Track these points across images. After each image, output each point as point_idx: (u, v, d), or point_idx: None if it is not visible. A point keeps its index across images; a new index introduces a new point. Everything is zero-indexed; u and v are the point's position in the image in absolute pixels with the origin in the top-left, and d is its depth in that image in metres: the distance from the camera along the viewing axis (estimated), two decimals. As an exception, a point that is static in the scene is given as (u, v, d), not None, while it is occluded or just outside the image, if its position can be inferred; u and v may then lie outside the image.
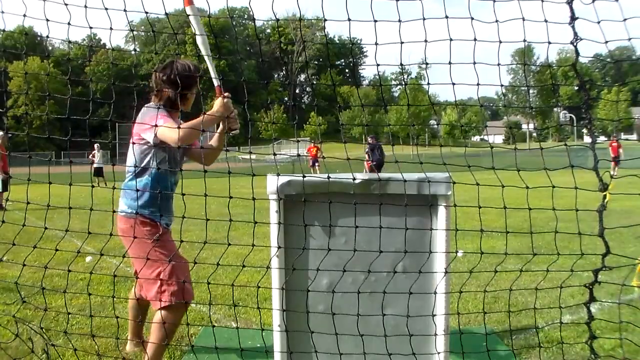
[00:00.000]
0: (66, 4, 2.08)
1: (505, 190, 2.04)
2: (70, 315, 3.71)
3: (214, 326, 2.89)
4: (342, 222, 2.13)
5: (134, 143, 2.45)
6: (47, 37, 2.16)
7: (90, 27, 2.07)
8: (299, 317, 2.12)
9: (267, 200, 2.15)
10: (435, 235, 2.15)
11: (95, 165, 18.94)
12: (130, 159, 2.50)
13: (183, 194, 2.10)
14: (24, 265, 2.39)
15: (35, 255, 4.36)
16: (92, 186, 2.13)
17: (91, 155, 19.77)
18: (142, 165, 2.47)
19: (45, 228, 2.28)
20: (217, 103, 2.48)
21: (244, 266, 2.14)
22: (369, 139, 17.77)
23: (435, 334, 2.13)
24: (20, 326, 2.83)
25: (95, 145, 20.13)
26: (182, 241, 2.20)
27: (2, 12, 2.08)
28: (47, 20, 2.07)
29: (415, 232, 2.12)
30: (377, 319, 2.09)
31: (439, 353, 2.13)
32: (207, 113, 2.39)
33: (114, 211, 2.29)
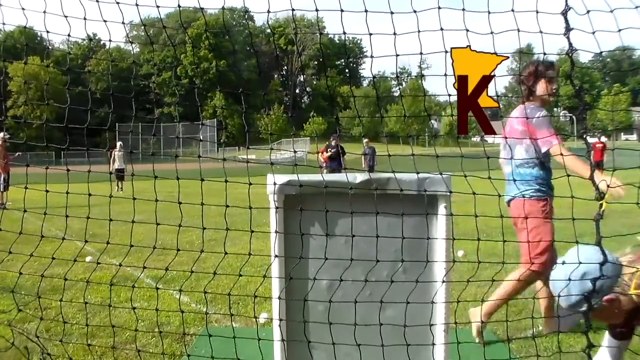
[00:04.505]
0: (66, 16, 2.08)
1: (504, 189, 2.04)
2: (70, 316, 3.71)
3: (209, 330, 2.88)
4: (341, 222, 2.13)
5: (521, 139, 3.16)
6: (49, 41, 2.16)
7: (101, 38, 2.07)
8: (299, 316, 2.12)
9: (267, 199, 2.15)
10: (435, 235, 2.15)
11: (116, 167, 16.94)
12: (520, 152, 3.13)
13: (180, 202, 2.10)
14: (20, 273, 2.39)
15: (35, 256, 4.36)
16: (90, 194, 2.13)
17: (112, 156, 17.43)
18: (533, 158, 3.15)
19: (42, 237, 2.28)
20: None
21: (240, 275, 2.14)
22: (364, 142, 17.52)
23: (436, 325, 2.13)
24: (17, 332, 2.83)
25: (118, 144, 18.35)
26: (177, 249, 2.20)
27: (3, 23, 2.08)
28: (47, 32, 2.07)
29: (415, 232, 2.12)
30: (377, 316, 2.08)
31: (435, 350, 2.13)
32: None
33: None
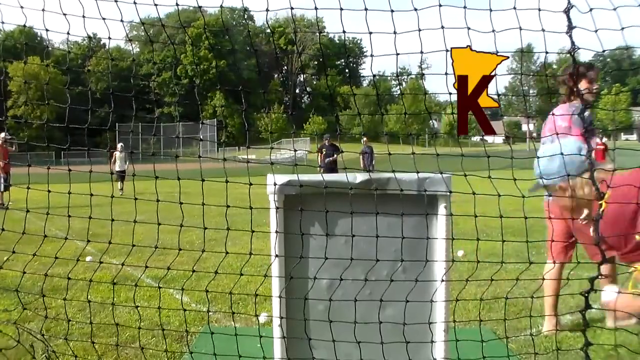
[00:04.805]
0: (65, 14, 2.08)
1: (504, 189, 2.05)
2: (70, 315, 3.71)
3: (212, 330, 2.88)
4: (341, 222, 2.14)
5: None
6: (48, 40, 2.16)
7: (100, 38, 2.08)
8: (299, 315, 2.13)
9: (267, 199, 2.15)
10: (435, 235, 2.16)
11: (117, 169, 15.96)
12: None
13: (181, 203, 2.10)
14: (24, 273, 2.40)
15: (36, 256, 4.37)
16: (91, 194, 2.13)
17: (113, 158, 16.49)
18: None
19: (45, 236, 2.28)
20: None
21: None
22: (363, 141, 17.42)
23: (436, 324, 2.14)
24: (21, 329, 2.83)
25: (119, 145, 17.42)
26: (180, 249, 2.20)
27: (3, 22, 2.09)
28: (47, 30, 2.07)
29: (415, 232, 2.12)
30: (377, 315, 2.09)
31: (436, 346, 2.14)
32: None
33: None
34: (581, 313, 1.79)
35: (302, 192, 2.11)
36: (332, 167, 13.54)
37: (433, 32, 1.95)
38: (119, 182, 16.28)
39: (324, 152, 14.20)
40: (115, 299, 4.14)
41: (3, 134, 11.83)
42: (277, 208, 2.13)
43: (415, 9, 1.97)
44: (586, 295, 1.74)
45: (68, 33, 2.15)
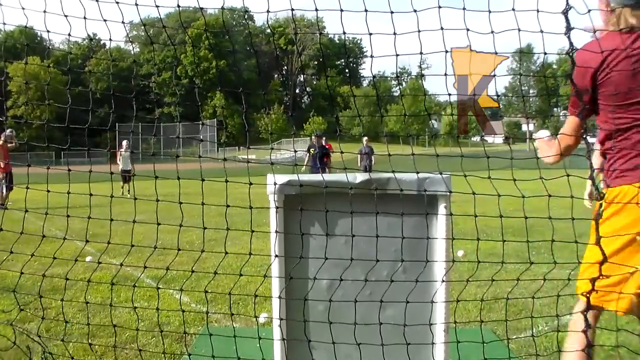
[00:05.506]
0: (66, 16, 2.08)
1: (505, 189, 2.04)
2: (70, 316, 3.71)
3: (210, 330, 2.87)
4: (341, 222, 2.14)
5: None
6: (49, 40, 2.16)
7: (99, 38, 2.08)
8: (299, 315, 2.13)
9: (267, 199, 2.15)
10: (435, 235, 2.16)
11: (121, 168, 14.64)
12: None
13: (181, 202, 2.10)
14: (21, 273, 2.40)
15: (35, 256, 4.36)
16: (91, 194, 2.13)
17: (118, 155, 15.26)
18: None
19: (43, 236, 2.28)
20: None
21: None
22: (364, 140, 17.23)
23: (436, 325, 2.13)
24: (18, 332, 2.83)
25: (124, 143, 15.76)
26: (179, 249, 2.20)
27: (4, 23, 2.09)
28: (48, 32, 2.07)
29: (415, 232, 2.12)
30: (377, 316, 2.09)
31: (436, 347, 2.13)
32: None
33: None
34: (582, 314, 1.78)
35: (302, 192, 2.11)
36: (320, 167, 12.71)
37: (433, 32, 1.95)
38: (124, 184, 15.19)
39: (312, 152, 12.99)
40: (114, 299, 4.14)
41: (7, 131, 11.70)
42: (277, 208, 2.13)
43: (415, 10, 1.97)
44: (587, 295, 1.74)
45: (69, 35, 2.15)
